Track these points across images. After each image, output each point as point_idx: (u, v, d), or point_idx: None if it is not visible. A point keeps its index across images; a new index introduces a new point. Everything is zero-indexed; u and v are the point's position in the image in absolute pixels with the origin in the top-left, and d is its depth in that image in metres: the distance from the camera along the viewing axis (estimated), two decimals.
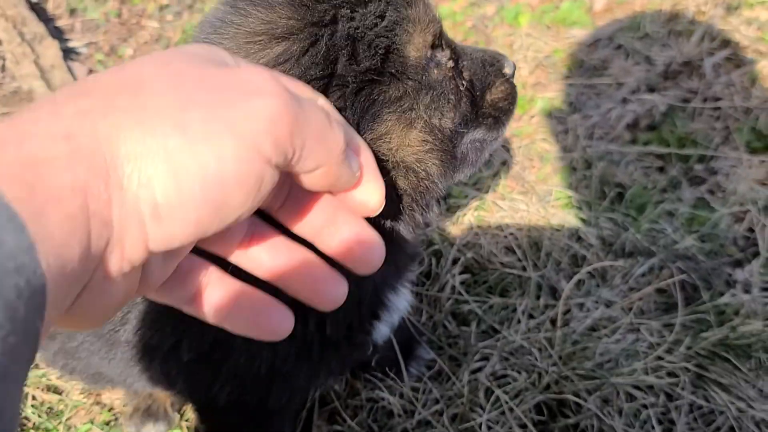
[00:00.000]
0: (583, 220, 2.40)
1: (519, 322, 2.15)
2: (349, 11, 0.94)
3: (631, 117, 2.75)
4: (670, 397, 1.98)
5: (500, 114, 1.21)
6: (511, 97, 1.23)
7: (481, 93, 1.18)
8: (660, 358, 2.03)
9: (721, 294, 2.18)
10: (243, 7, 0.95)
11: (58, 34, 3.51)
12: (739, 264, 2.28)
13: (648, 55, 2.99)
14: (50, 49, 3.32)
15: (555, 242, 2.34)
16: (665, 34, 3.08)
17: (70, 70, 3.29)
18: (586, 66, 3.04)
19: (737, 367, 2.00)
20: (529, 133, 2.79)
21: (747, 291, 2.18)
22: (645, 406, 1.95)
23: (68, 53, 3.39)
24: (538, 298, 2.23)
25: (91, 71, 3.32)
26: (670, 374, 2.00)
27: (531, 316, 2.18)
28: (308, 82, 0.89)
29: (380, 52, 0.96)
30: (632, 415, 1.94)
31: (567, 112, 2.86)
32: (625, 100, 2.84)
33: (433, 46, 1.04)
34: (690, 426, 1.94)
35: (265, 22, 0.92)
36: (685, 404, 1.96)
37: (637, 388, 1.98)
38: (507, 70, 1.21)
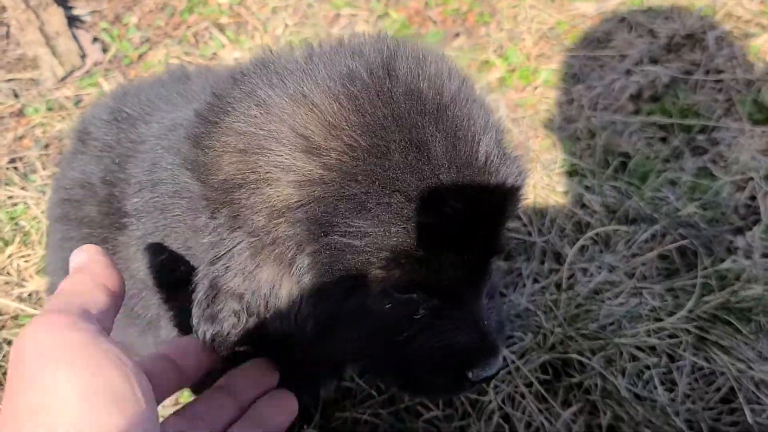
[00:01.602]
0: (587, 188, 2.44)
1: (524, 285, 2.19)
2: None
3: (634, 88, 2.78)
4: (672, 358, 2.03)
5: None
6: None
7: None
8: (662, 320, 2.07)
9: (722, 260, 2.22)
10: None
11: (62, 2, 3.50)
12: (740, 231, 2.32)
13: (651, 28, 3.01)
14: (55, 16, 3.31)
15: (559, 209, 2.38)
16: (668, 7, 3.10)
17: (74, 37, 3.29)
18: (590, 38, 3.06)
19: (738, 329, 2.04)
20: (533, 103, 2.82)
21: (748, 257, 2.22)
22: (648, 367, 2.00)
23: (72, 21, 3.38)
24: (542, 263, 2.26)
25: (95, 39, 3.32)
26: (672, 336, 2.05)
27: (536, 280, 2.22)
28: None
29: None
30: (635, 375, 1.99)
31: (571, 83, 2.89)
32: (628, 72, 2.87)
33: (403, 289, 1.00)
34: (691, 386, 1.98)
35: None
36: (687, 365, 2.00)
37: (640, 349, 2.02)
38: (476, 374, 1.05)
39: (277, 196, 0.91)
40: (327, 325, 1.00)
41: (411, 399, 1.18)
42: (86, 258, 0.87)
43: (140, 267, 1.25)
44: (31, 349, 0.71)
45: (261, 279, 0.95)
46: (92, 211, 1.45)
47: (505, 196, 0.99)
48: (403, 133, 0.89)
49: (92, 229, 1.46)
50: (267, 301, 0.97)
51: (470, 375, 1.03)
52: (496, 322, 1.09)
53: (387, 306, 1.00)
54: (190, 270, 1.03)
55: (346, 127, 0.90)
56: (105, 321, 0.81)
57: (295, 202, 0.90)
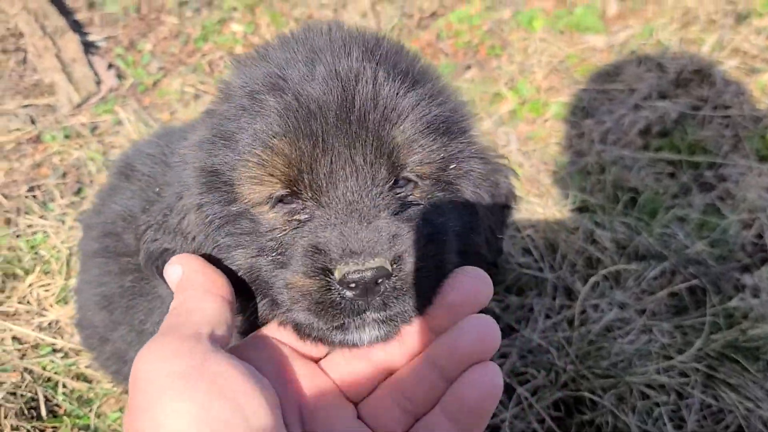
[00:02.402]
0: (597, 224, 2.48)
1: (536, 321, 2.23)
2: None
3: (643, 123, 2.83)
4: (680, 395, 2.07)
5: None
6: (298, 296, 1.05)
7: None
8: (671, 358, 2.11)
9: (730, 298, 2.26)
10: None
11: (76, 27, 3.56)
12: (747, 269, 2.37)
13: (660, 62, 3.07)
14: (71, 43, 3.37)
15: (570, 244, 2.42)
16: (677, 41, 3.15)
17: (90, 63, 3.34)
18: (600, 72, 3.12)
19: (746, 368, 2.08)
20: (543, 136, 2.86)
21: (755, 295, 2.26)
22: (657, 404, 2.04)
23: (87, 47, 3.44)
24: (554, 298, 2.30)
25: (111, 65, 3.37)
26: (682, 374, 2.09)
27: (547, 316, 2.26)
28: None
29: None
30: (645, 412, 2.03)
31: (580, 117, 2.94)
32: (637, 107, 2.92)
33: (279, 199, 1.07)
34: (700, 424, 2.02)
35: None
36: (696, 403, 2.04)
37: (650, 386, 2.06)
38: (340, 270, 0.97)
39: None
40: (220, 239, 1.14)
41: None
42: (183, 271, 0.94)
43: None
44: (143, 375, 0.78)
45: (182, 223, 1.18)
46: (131, 239, 1.52)
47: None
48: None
49: (131, 257, 1.55)
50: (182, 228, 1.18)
51: (335, 273, 0.96)
52: (400, 229, 1.01)
53: (266, 216, 1.09)
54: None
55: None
56: (220, 329, 0.87)
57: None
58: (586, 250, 2.41)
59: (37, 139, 3.01)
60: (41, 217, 2.61)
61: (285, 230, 1.05)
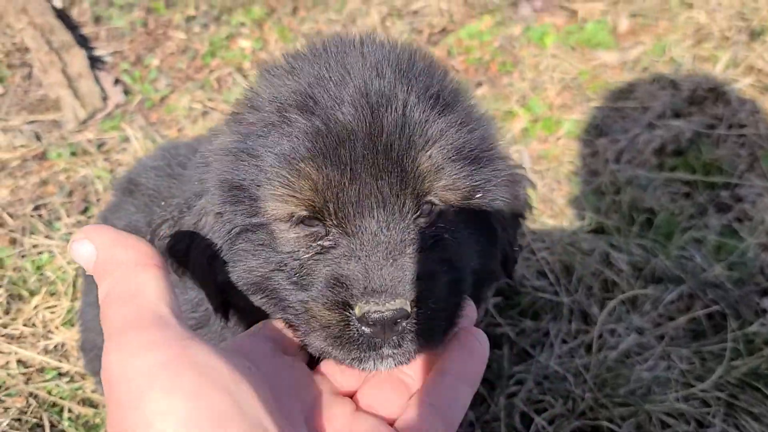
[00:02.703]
0: (612, 246, 2.44)
1: (552, 346, 2.19)
2: None
3: (658, 142, 2.79)
4: (701, 424, 2.02)
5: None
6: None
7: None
8: (691, 385, 2.07)
9: (750, 323, 2.21)
10: None
11: (82, 42, 3.53)
12: (766, 293, 2.32)
13: (674, 80, 3.03)
14: (77, 58, 3.34)
15: (586, 267, 2.37)
16: (690, 58, 3.12)
17: (96, 79, 3.31)
18: (612, 89, 3.08)
19: (767, 396, 2.04)
20: (556, 155, 2.82)
21: None
22: None
23: (93, 62, 3.41)
24: (570, 322, 2.26)
25: (117, 81, 3.34)
26: (702, 402, 2.04)
27: (564, 341, 2.22)
28: None
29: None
30: None
31: (594, 135, 2.90)
32: (651, 125, 2.88)
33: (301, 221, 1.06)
34: None
35: None
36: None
37: (670, 415, 2.01)
38: (360, 308, 0.96)
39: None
40: (235, 249, 1.14)
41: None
42: (96, 247, 0.80)
43: None
44: (121, 374, 0.69)
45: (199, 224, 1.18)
46: None
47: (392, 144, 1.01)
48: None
49: None
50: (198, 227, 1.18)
51: (355, 310, 0.96)
52: (423, 268, 1.00)
53: (287, 234, 1.08)
54: None
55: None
56: (175, 305, 0.77)
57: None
58: (602, 273, 2.37)
59: (42, 156, 2.97)
60: (47, 236, 2.57)
61: (308, 253, 1.05)
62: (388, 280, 0.96)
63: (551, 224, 2.54)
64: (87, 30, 3.65)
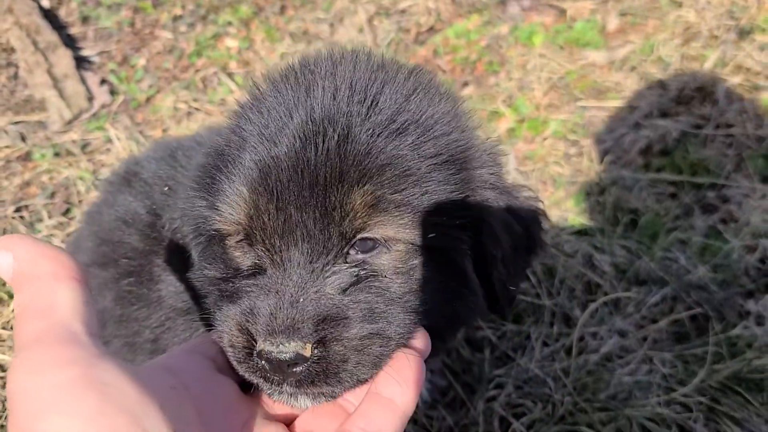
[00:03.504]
0: (596, 248, 2.41)
1: (533, 349, 2.17)
2: None
3: (644, 142, 2.77)
4: (682, 428, 2.00)
5: None
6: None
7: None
8: (673, 390, 2.05)
9: (734, 325, 2.19)
10: None
11: (70, 42, 3.51)
12: (751, 295, 2.30)
13: (661, 79, 3.00)
14: (63, 59, 3.32)
15: (569, 269, 2.35)
16: (678, 58, 3.09)
17: (82, 79, 3.29)
18: (600, 88, 3.06)
19: (749, 400, 2.01)
20: (542, 155, 2.80)
21: (760, 323, 2.19)
22: None
23: (80, 62, 3.39)
24: (551, 325, 2.24)
25: (103, 81, 3.32)
26: (684, 407, 2.02)
27: (545, 344, 2.20)
28: None
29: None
30: None
31: (580, 135, 2.88)
32: (638, 125, 2.86)
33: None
34: None
35: None
36: None
37: (651, 420, 1.99)
38: (259, 344, 0.97)
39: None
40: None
41: None
42: (15, 257, 0.76)
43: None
44: (23, 392, 0.66)
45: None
46: (134, 240, 1.57)
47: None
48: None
49: (130, 259, 1.56)
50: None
51: (257, 344, 0.96)
52: (337, 311, 0.99)
53: (233, 252, 1.12)
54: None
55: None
56: (91, 320, 0.74)
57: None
58: (585, 275, 2.35)
59: (26, 157, 2.95)
60: None
61: (244, 273, 1.07)
62: (289, 321, 0.95)
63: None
64: (75, 30, 3.62)
